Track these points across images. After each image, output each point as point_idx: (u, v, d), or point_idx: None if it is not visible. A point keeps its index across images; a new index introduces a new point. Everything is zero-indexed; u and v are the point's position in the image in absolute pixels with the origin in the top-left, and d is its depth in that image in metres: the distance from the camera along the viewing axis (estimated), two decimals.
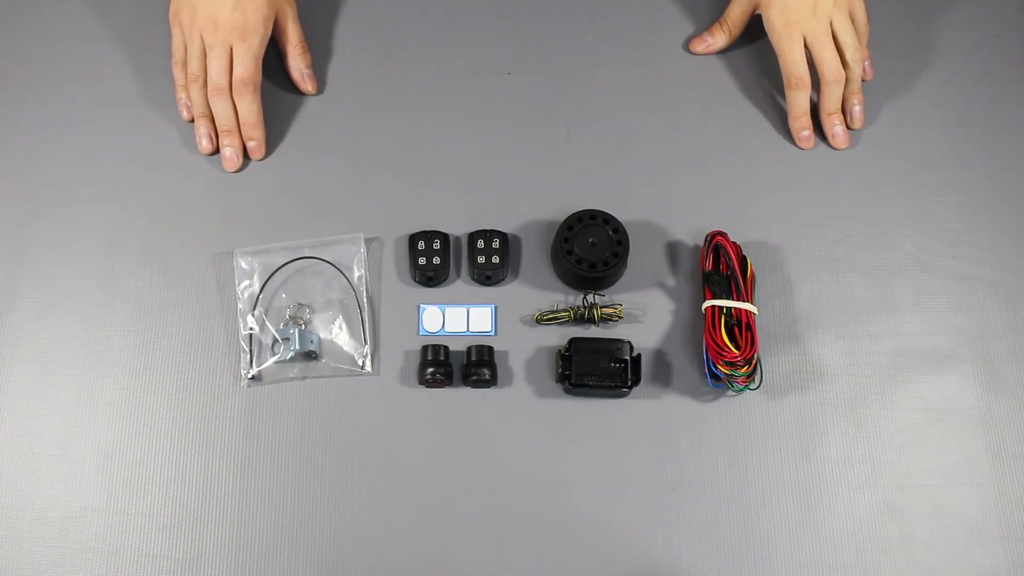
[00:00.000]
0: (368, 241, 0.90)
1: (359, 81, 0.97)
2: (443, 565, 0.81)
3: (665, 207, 0.92)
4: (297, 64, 0.96)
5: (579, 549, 0.81)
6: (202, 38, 0.91)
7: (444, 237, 0.89)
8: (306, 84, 0.96)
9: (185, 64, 0.93)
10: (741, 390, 0.84)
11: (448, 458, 0.83)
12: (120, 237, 0.90)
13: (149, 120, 0.95)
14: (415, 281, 0.89)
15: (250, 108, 0.92)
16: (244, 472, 0.83)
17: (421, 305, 0.88)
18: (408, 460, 0.83)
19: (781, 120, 0.96)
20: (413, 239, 0.89)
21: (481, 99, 0.97)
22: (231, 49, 0.91)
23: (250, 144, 0.93)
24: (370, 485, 0.83)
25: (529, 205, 0.92)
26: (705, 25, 1.00)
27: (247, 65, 0.91)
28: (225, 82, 0.91)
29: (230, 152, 0.92)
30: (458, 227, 0.91)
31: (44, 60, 0.98)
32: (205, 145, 0.93)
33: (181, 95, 0.94)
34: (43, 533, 0.81)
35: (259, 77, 0.92)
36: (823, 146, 0.95)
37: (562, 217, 0.88)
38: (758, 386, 0.84)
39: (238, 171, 0.93)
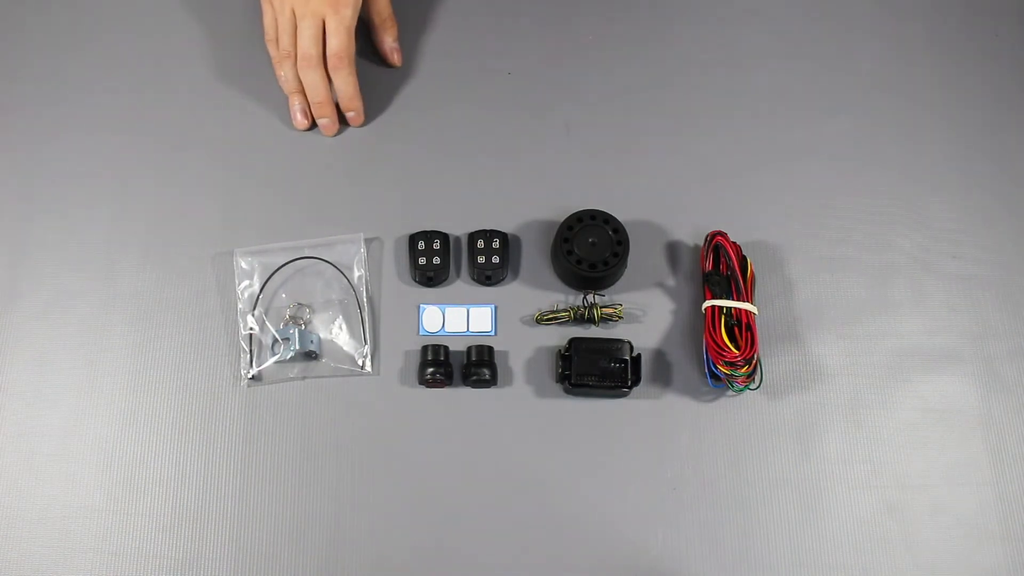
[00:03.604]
0: (368, 241, 0.90)
1: (358, 80, 0.97)
2: (443, 565, 0.81)
3: (665, 207, 0.92)
4: (387, 37, 0.96)
5: (579, 549, 0.81)
6: (293, 11, 0.90)
7: (444, 237, 0.89)
8: (394, 57, 0.96)
9: (277, 41, 0.92)
10: (741, 390, 0.84)
11: (448, 458, 0.83)
12: (120, 237, 0.90)
13: (149, 119, 0.95)
14: (415, 281, 0.89)
15: (347, 81, 0.91)
16: (244, 472, 0.83)
17: (421, 305, 0.88)
18: (408, 460, 0.83)
19: (781, 120, 0.96)
20: (413, 239, 0.89)
21: (481, 99, 0.97)
22: (323, 21, 0.89)
23: (349, 115, 0.93)
24: (370, 485, 0.83)
25: (529, 205, 0.92)
26: (704, 24, 1.00)
27: (341, 38, 0.89)
28: (315, 52, 0.89)
29: (327, 122, 0.93)
30: (458, 227, 0.91)
31: (44, 60, 0.98)
32: (300, 120, 0.93)
33: (279, 72, 0.94)
34: (43, 533, 0.81)
35: (353, 49, 0.90)
36: (823, 146, 0.95)
37: (562, 217, 0.88)
38: (758, 386, 0.84)
39: (336, 135, 0.94)
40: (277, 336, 0.85)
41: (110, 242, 0.90)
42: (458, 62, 0.98)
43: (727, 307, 0.84)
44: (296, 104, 0.93)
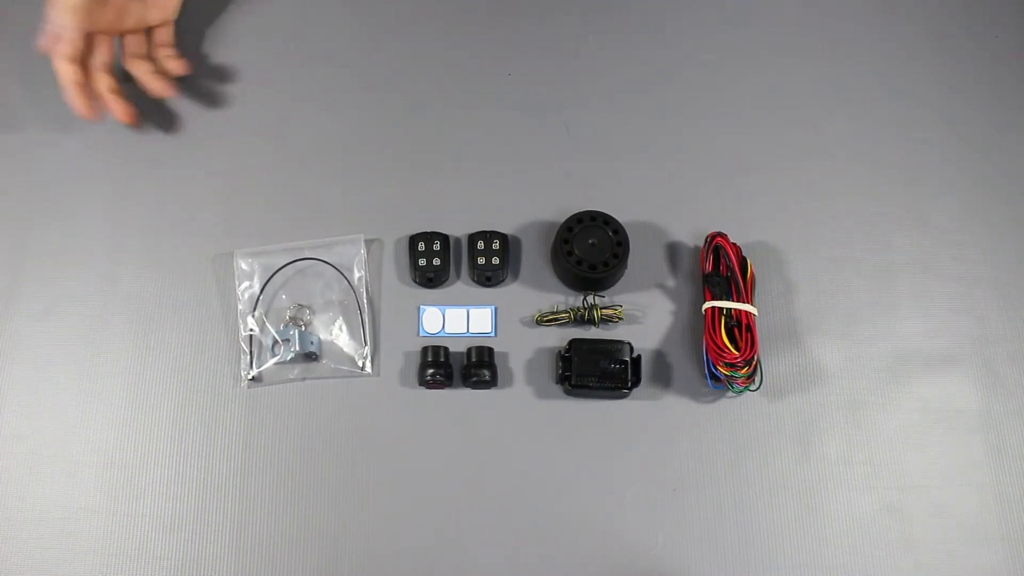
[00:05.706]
0: (368, 242, 0.90)
1: (359, 82, 0.97)
2: (444, 566, 0.81)
3: (665, 207, 0.92)
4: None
5: (579, 549, 0.81)
6: None
7: (444, 238, 0.89)
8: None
9: None
10: (741, 391, 0.84)
11: (448, 459, 0.84)
12: (120, 238, 0.90)
13: (149, 120, 0.95)
14: (415, 282, 0.89)
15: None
16: (244, 473, 0.83)
17: (421, 306, 0.88)
18: (408, 461, 0.83)
19: (782, 120, 0.96)
20: (413, 240, 0.89)
21: (481, 99, 0.96)
22: None
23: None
24: (370, 486, 0.83)
25: (529, 205, 0.92)
26: (704, 24, 1.00)
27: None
28: None
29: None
30: (458, 228, 0.90)
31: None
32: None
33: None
34: (43, 534, 0.81)
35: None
36: (823, 146, 0.95)
37: (562, 218, 0.88)
38: (758, 387, 0.84)
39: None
40: (277, 337, 0.85)
41: (110, 244, 0.90)
42: (458, 62, 0.98)
43: (727, 308, 0.84)
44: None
